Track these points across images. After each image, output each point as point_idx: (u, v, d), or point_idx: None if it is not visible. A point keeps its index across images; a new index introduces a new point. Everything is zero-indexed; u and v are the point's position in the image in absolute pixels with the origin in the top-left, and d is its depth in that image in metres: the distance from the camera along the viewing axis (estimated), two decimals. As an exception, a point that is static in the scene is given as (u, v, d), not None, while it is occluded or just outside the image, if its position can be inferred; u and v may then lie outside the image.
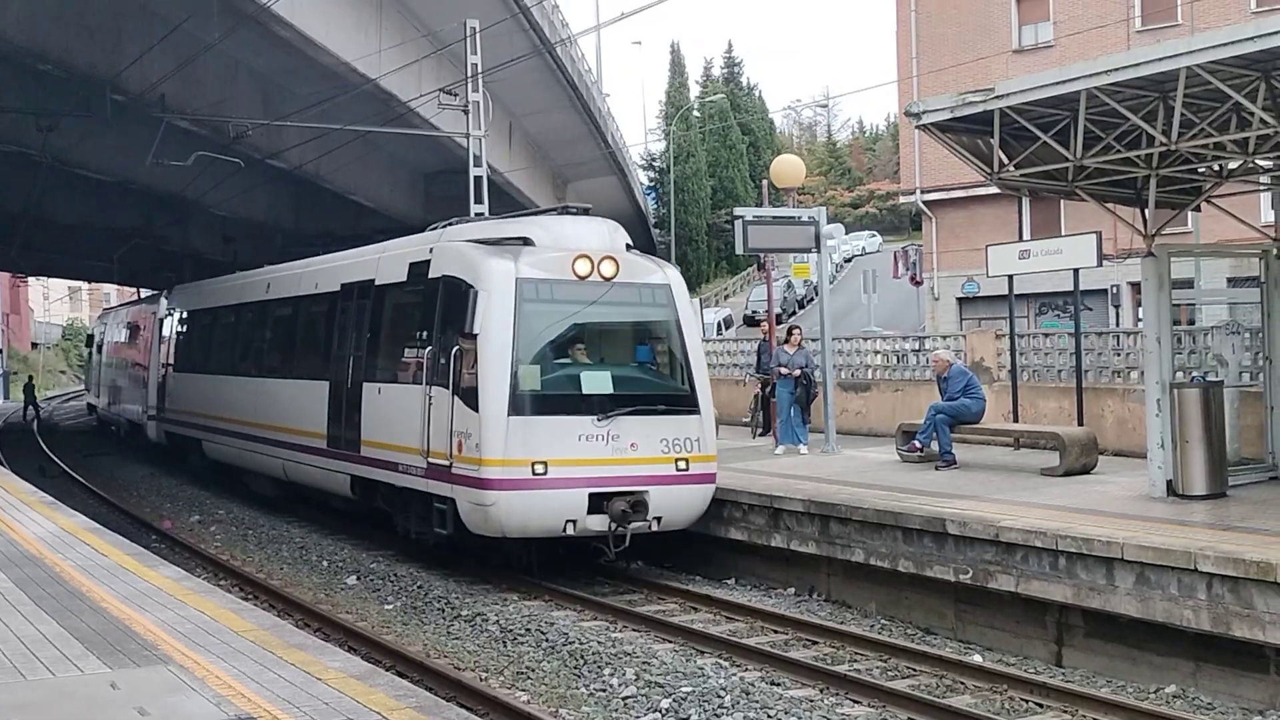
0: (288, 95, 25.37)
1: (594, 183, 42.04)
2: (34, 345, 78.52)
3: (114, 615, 7.69)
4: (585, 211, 14.16)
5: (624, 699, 9.11)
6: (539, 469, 12.01)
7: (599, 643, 10.72)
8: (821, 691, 9.33)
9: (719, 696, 8.97)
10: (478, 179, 24.02)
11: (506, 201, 30.37)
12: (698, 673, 9.68)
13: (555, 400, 12.41)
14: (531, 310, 12.53)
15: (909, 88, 35.26)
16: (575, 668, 10.04)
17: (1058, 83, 11.03)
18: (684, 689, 9.19)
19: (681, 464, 12.58)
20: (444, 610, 12.30)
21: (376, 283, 15.28)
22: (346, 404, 15.38)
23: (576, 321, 13.05)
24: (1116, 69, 10.68)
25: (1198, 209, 14.63)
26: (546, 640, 10.89)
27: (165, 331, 26.44)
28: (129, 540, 11.60)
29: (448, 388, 12.63)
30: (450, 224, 14.66)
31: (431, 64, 25.20)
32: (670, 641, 10.77)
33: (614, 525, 12.20)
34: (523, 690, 9.49)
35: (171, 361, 25.48)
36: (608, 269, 12.85)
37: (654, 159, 73.04)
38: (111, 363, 34.25)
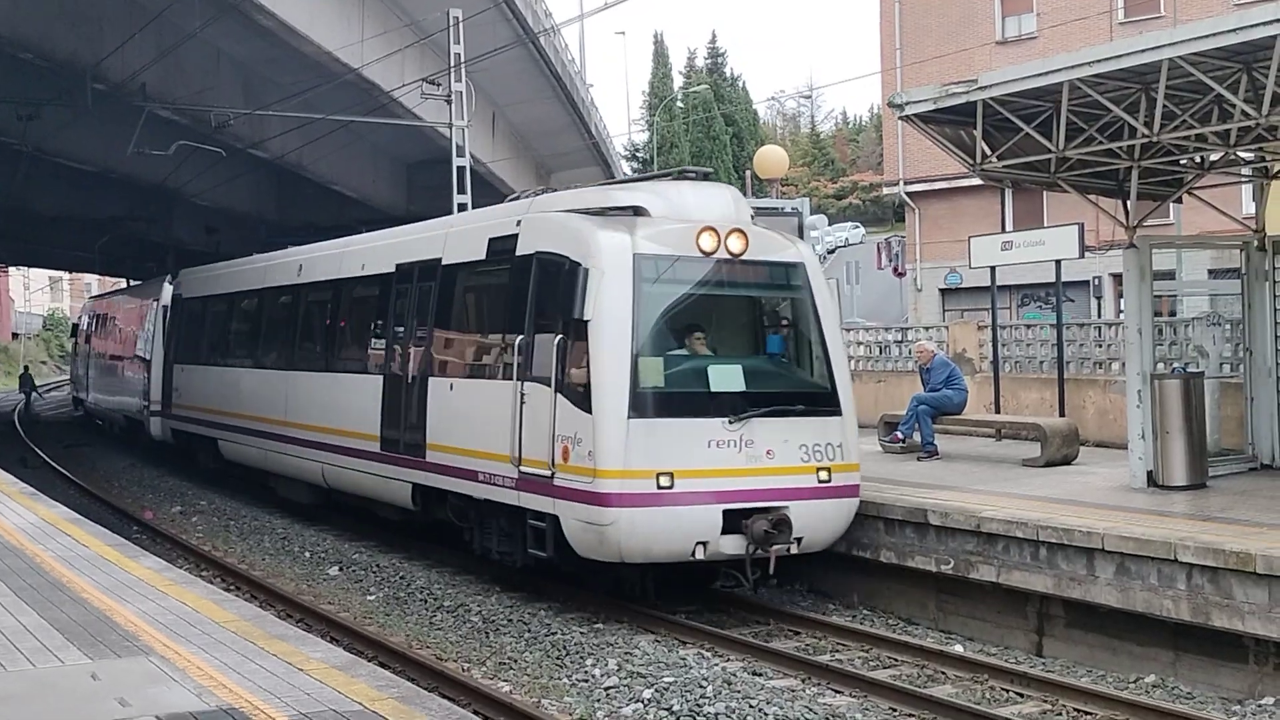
0: (270, 85, 25.25)
1: (578, 173, 41.96)
2: (14, 335, 78.08)
3: (95, 606, 7.67)
4: (706, 177, 12.34)
5: (606, 689, 9.13)
6: (664, 481, 10.30)
7: (581, 633, 10.73)
8: (803, 681, 9.37)
9: (701, 687, 8.99)
10: (460, 169, 23.98)
11: (489, 192, 30.29)
12: (680, 663, 9.70)
13: (681, 399, 10.72)
14: (652, 292, 10.79)
15: (892, 79, 35.32)
16: (558, 658, 10.05)
17: (1040, 74, 11.06)
18: (666, 679, 9.20)
19: (823, 474, 10.89)
20: (426, 601, 12.29)
21: (444, 262, 13.26)
22: (407, 402, 13.43)
23: (701, 306, 11.31)
24: (1099, 60, 10.72)
25: (1179, 201, 14.69)
26: (529, 631, 10.90)
27: (171, 320, 24.18)
28: (110, 531, 11.55)
29: (548, 384, 10.80)
30: (538, 193, 12.85)
31: (414, 53, 25.11)
32: (652, 632, 10.79)
33: (753, 548, 10.50)
34: (505, 681, 9.49)
35: (180, 352, 23.13)
36: (735, 244, 11.04)
37: (637, 150, 73.01)
38: (103, 353, 32.05)
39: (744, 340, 11.90)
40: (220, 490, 20.60)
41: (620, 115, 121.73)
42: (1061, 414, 15.83)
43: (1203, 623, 9.12)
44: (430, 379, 13.06)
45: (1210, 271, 22.27)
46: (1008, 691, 9.20)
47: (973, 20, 35.25)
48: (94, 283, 76.42)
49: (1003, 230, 30.03)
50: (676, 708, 8.56)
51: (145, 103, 21.98)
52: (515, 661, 10.05)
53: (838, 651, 10.30)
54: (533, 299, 11.38)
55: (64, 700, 5.76)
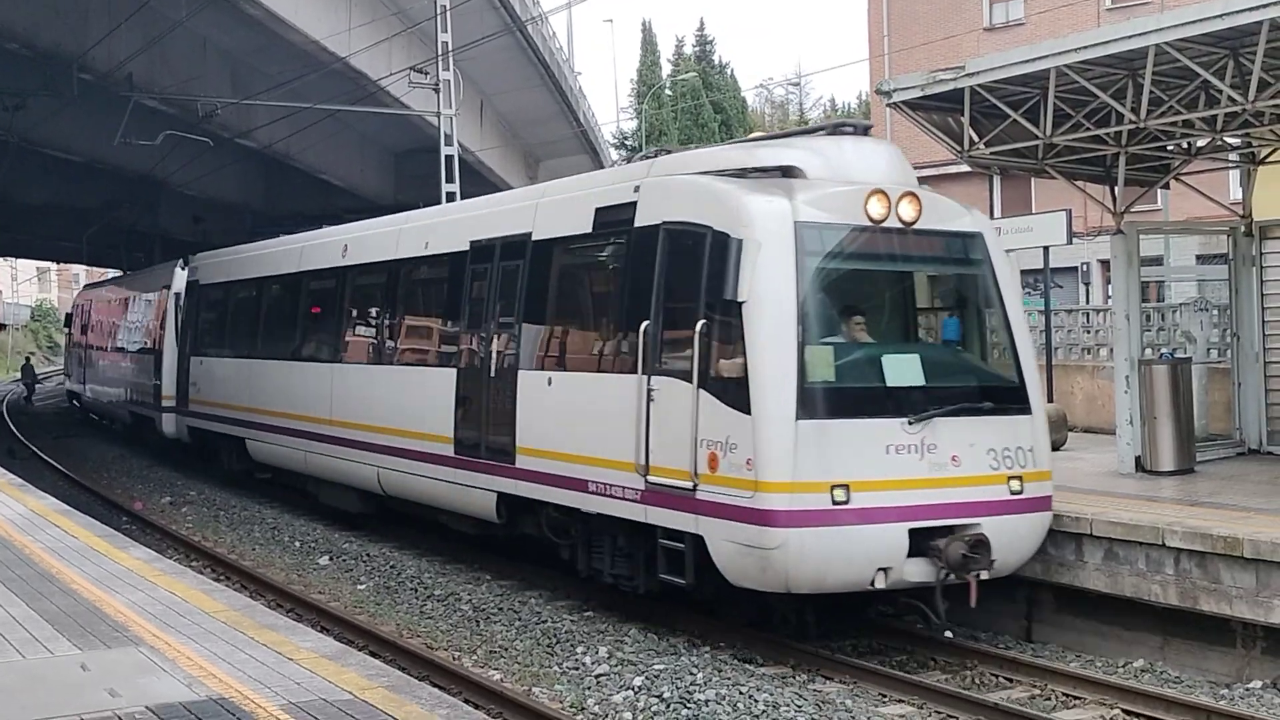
0: (257, 74, 25.15)
1: (566, 161, 41.88)
2: (2, 326, 77.77)
3: (84, 597, 7.65)
4: (867, 131, 10.60)
5: (597, 676, 9.15)
6: (839, 495, 8.70)
7: (572, 621, 10.74)
8: (793, 668, 9.39)
9: (692, 673, 9.01)
10: (449, 158, 23.93)
11: (478, 181, 30.26)
12: (671, 650, 9.72)
13: (855, 397, 9.17)
14: (817, 268, 9.17)
15: (880, 66, 35.30)
16: (549, 646, 10.06)
17: (1027, 60, 11.09)
18: (657, 666, 9.23)
19: (1015, 484, 9.30)
20: (417, 590, 12.29)
21: (535, 237, 11.53)
22: (490, 399, 11.82)
23: (870, 284, 9.96)
24: (1086, 46, 10.74)
25: (1166, 186, 14.74)
26: (519, 619, 10.91)
27: (186, 308, 21.96)
28: (99, 522, 11.53)
29: (686, 378, 9.24)
30: (653, 154, 11.24)
31: (402, 42, 25.02)
32: (643, 619, 10.80)
33: (945, 574, 8.91)
34: (495, 669, 9.51)
35: (198, 343, 21.01)
36: (908, 211, 9.41)
37: (626, 138, 72.92)
38: (103, 345, 29.92)
39: (916, 325, 10.32)
40: (210, 481, 20.57)
41: (609, 103, 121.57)
42: (1050, 399, 15.87)
43: (1191, 607, 9.17)
44: (520, 373, 11.39)
45: (1198, 257, 22.32)
46: (997, 677, 9.24)
47: (961, 7, 35.23)
48: (81, 273, 76.10)
49: (990, 217, 30.05)
50: (667, 695, 8.58)
51: (132, 92, 21.88)
52: (506, 650, 10.06)
53: (827, 638, 10.33)
54: (660, 278, 9.72)
55: (54, 691, 5.75)
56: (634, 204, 10.27)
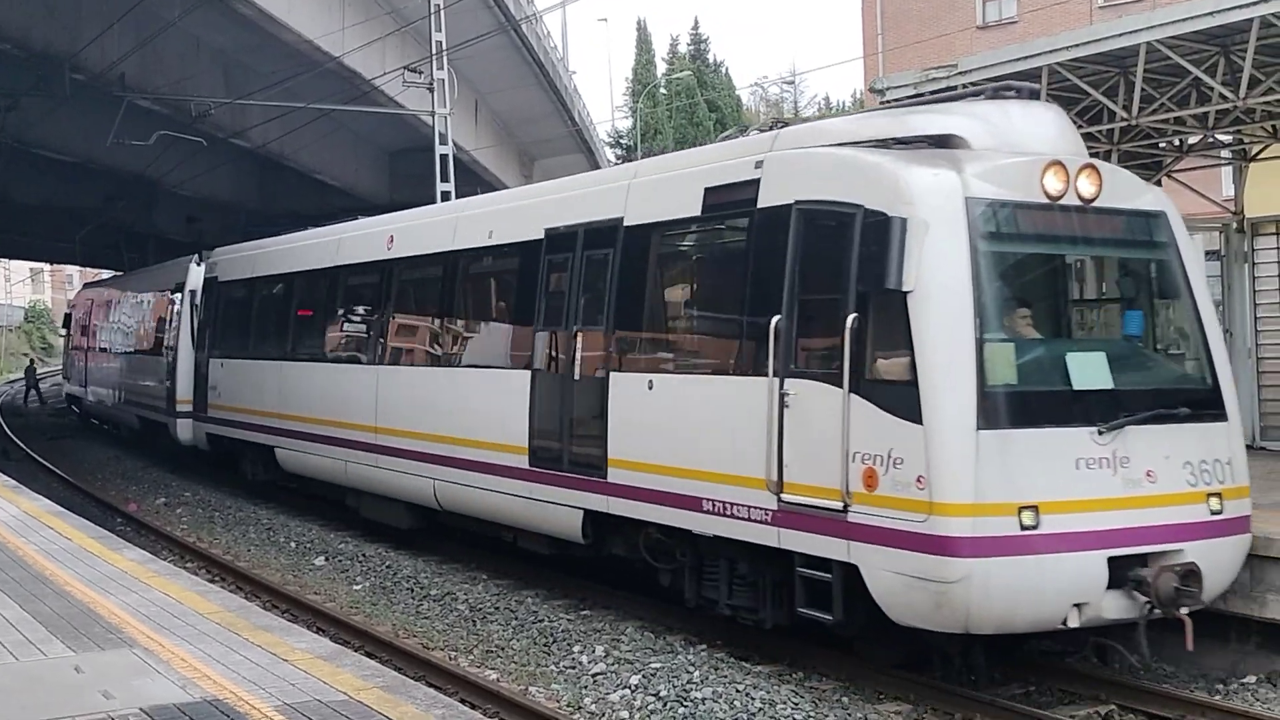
0: (250, 73, 25.13)
1: (561, 160, 41.91)
2: (-4, 328, 77.64)
3: (78, 599, 7.65)
4: (1034, 95, 9.34)
5: (594, 675, 9.15)
6: (1028, 519, 7.51)
7: (569, 620, 10.75)
8: (790, 665, 9.40)
9: (688, 671, 9.02)
10: (444, 157, 23.93)
11: (473, 180, 30.24)
12: (667, 648, 9.73)
13: (1039, 402, 7.94)
14: (993, 252, 7.95)
15: (875, 64, 35.32)
16: (545, 645, 10.07)
17: (1019, 59, 11.15)
18: (653, 665, 9.23)
19: (1214, 503, 8.13)
20: (413, 590, 12.29)
21: (628, 223, 10.33)
22: (574, 404, 10.64)
23: (1047, 271, 8.81)
24: (1078, 45, 10.79)
25: (1159, 183, 14.76)
26: (516, 619, 10.92)
27: (205, 307, 20.46)
28: (93, 523, 11.53)
29: (833, 381, 8.05)
30: (772, 125, 9.96)
31: (395, 41, 25.01)
32: (639, 618, 10.82)
33: (1150, 609, 7.76)
34: (492, 669, 9.51)
35: (218, 345, 19.53)
36: (1087, 186, 8.21)
37: (621, 136, 72.95)
38: (107, 347, 28.70)
39: (1098, 318, 9.17)
40: (205, 481, 20.55)
41: (604, 102, 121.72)
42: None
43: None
44: (613, 375, 10.18)
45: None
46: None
47: (954, 5, 35.24)
48: (75, 274, 75.99)
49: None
50: (664, 693, 8.60)
51: (125, 92, 21.87)
52: (503, 649, 10.07)
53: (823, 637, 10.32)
54: (793, 266, 8.54)
55: (48, 693, 5.75)
56: (755, 182, 9.01)
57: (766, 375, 8.54)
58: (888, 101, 12.51)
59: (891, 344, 7.88)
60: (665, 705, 8.38)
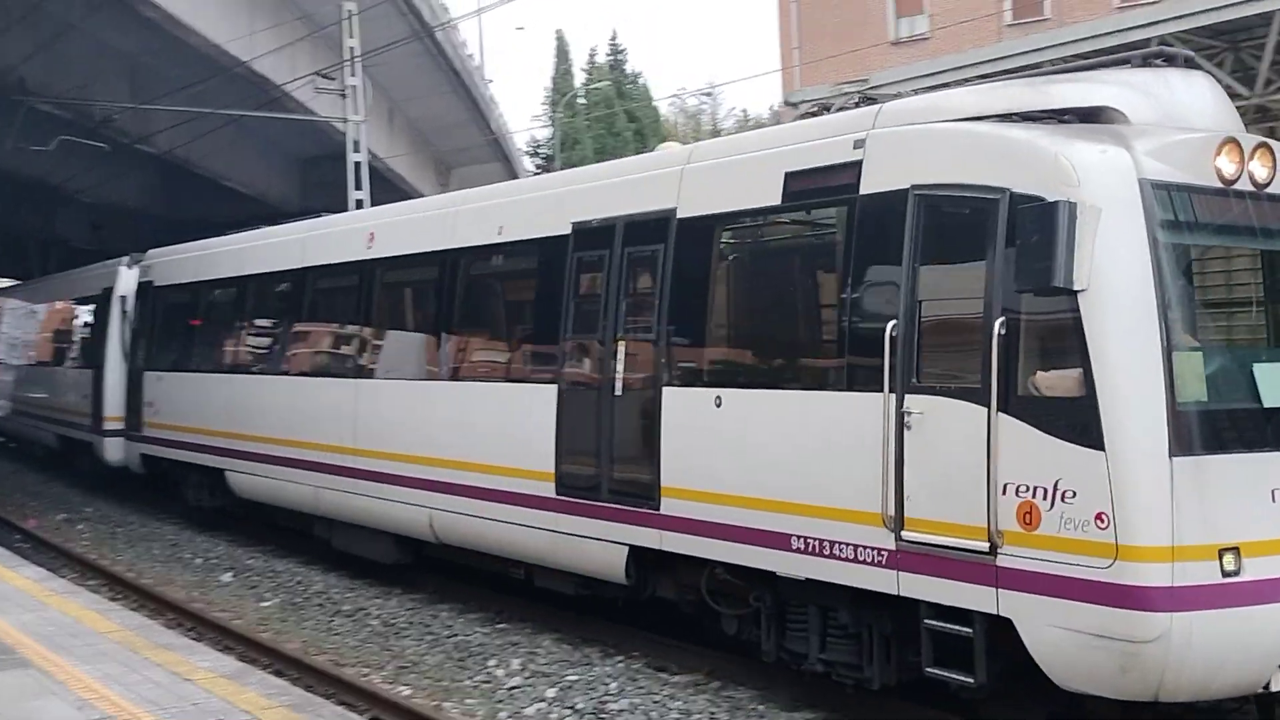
0: (157, 78, 24.58)
1: (478, 170, 41.68)
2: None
3: (-32, 619, 7.35)
4: (1189, 62, 7.84)
5: (509, 689, 9.03)
6: (1229, 563, 6.34)
7: (484, 634, 10.60)
8: (709, 674, 9.36)
9: (605, 684, 8.94)
10: (357, 164, 23.64)
11: (388, 188, 29.91)
12: (584, 660, 9.64)
13: (1231, 423, 6.75)
14: (1174, 245, 6.71)
15: (792, 77, 35.74)
16: (460, 660, 9.91)
17: (928, 75, 11.37)
18: (570, 677, 9.14)
19: None
20: (324, 606, 12.04)
21: (683, 215, 8.96)
22: (616, 424, 9.26)
23: (1227, 267, 7.80)
24: (983, 62, 11.07)
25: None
26: (430, 633, 10.74)
27: (139, 313, 18.74)
28: (-12, 541, 11.11)
29: (976, 398, 6.81)
30: (863, 99, 8.94)
31: (307, 47, 24.65)
32: (556, 630, 10.71)
33: None
34: (405, 685, 9.33)
35: (156, 355, 17.81)
36: (1261, 169, 6.97)
37: (540, 145, 72.94)
38: (19, 359, 27.23)
39: (1268, 321, 7.70)
40: (107, 497, 19.97)
41: (522, 111, 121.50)
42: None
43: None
44: (666, 391, 8.82)
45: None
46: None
47: (867, 21, 35.84)
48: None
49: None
50: (580, 706, 8.50)
51: (24, 96, 21.25)
52: (416, 664, 9.89)
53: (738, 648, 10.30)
54: (914, 262, 7.27)
55: (-67, 719, 5.49)
56: (856, 164, 7.72)
57: (880, 390, 7.23)
58: (803, 114, 12.60)
59: (1056, 354, 6.67)
60: (581, 718, 8.30)
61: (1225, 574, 6.26)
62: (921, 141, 7.47)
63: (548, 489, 9.73)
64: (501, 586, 11.75)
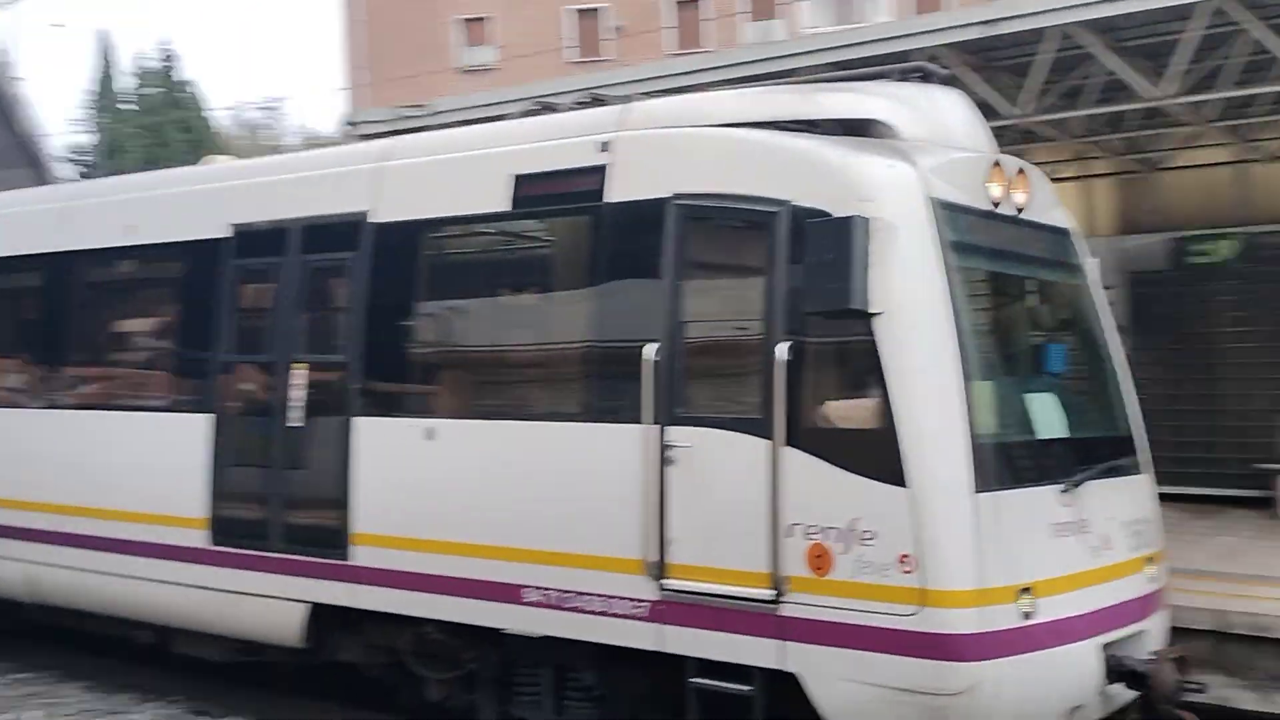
0: None
1: (5, 175, 37.88)
2: None
3: None
4: (950, 81, 7.56)
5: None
6: (1025, 604, 5.91)
7: (2, 686, 9.56)
8: (257, 717, 8.96)
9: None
10: None
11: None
12: (118, 709, 8.97)
13: (1017, 455, 6.40)
14: (963, 268, 6.28)
15: (364, 96, 35.52)
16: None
17: (488, 104, 11.68)
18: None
19: (1150, 570, 6.89)
20: None
21: (378, 219, 7.85)
22: (292, 459, 8.03)
23: (1000, 293, 7.16)
24: (546, 95, 11.35)
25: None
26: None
27: None
28: None
29: (756, 430, 6.14)
30: (622, 101, 7.54)
31: None
32: (88, 679, 9.77)
33: (1145, 702, 6.49)
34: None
35: None
36: (1020, 194, 6.73)
37: (80, 151, 67.41)
38: None
39: (1032, 350, 7.21)
40: None
41: (60, 114, 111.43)
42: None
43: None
44: (359, 421, 7.64)
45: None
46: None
47: (436, 47, 36.36)
48: None
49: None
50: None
51: None
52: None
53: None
54: (675, 279, 6.55)
55: None
56: (600, 169, 6.90)
57: (638, 422, 6.44)
58: (364, 136, 12.49)
59: (849, 381, 6.17)
60: (112, 771, 7.69)
61: (1024, 616, 5.87)
62: (682, 146, 6.77)
63: (197, 538, 8.33)
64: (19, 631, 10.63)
